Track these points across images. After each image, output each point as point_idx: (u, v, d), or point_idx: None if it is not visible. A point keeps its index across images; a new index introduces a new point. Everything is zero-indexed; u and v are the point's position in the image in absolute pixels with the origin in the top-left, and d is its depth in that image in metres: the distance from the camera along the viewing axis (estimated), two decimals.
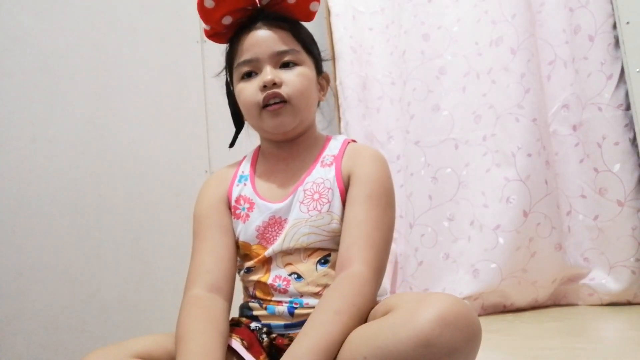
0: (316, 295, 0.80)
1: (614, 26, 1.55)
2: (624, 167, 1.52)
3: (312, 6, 0.86)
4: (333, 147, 0.87)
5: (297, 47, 0.84)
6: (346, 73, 1.97)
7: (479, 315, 1.64)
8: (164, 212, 1.47)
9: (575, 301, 1.66)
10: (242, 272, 0.86)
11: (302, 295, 0.81)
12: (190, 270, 0.82)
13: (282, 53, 0.82)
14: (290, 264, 0.81)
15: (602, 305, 1.58)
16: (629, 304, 1.54)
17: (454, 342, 0.56)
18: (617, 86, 1.54)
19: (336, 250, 0.80)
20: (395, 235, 1.85)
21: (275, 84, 0.80)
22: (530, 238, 1.62)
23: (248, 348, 0.76)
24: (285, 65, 0.83)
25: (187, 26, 1.65)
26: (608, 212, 1.55)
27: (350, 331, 0.64)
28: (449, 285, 1.69)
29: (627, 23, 1.51)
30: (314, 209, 0.81)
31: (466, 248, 1.69)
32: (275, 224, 0.82)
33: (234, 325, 0.83)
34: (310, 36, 0.88)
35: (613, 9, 1.55)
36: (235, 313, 0.89)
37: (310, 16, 0.88)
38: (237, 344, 0.74)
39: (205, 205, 0.87)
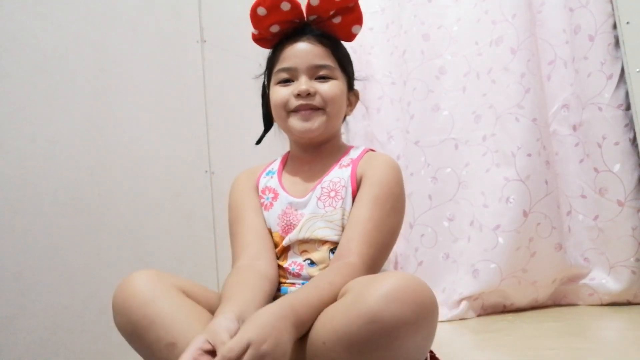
0: None
1: (614, 26, 1.55)
2: (624, 167, 1.52)
3: (354, 29, 0.93)
4: (353, 153, 0.93)
5: (334, 63, 0.91)
6: None
7: (479, 315, 1.64)
8: (164, 212, 1.47)
9: (576, 301, 1.66)
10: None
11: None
12: (234, 250, 0.89)
13: (319, 67, 0.89)
14: (305, 251, 0.88)
15: (602, 305, 1.58)
16: (629, 304, 1.54)
17: (401, 316, 0.58)
18: (617, 86, 1.54)
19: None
20: None
21: (309, 94, 0.88)
22: (530, 238, 1.62)
23: None
24: (321, 78, 0.90)
25: (187, 26, 1.65)
26: (608, 212, 1.55)
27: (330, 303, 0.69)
28: (449, 285, 1.69)
29: (627, 23, 1.51)
30: (330, 205, 0.87)
31: (466, 248, 1.69)
32: (291, 214, 0.89)
33: None
34: (347, 55, 0.95)
35: (613, 9, 1.55)
36: None
37: (350, 37, 0.95)
38: None
39: (239, 195, 0.95)
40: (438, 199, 1.77)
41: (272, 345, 0.59)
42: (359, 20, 0.93)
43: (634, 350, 1.05)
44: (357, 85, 0.99)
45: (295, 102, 0.88)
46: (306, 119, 0.88)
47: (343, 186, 0.88)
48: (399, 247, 1.85)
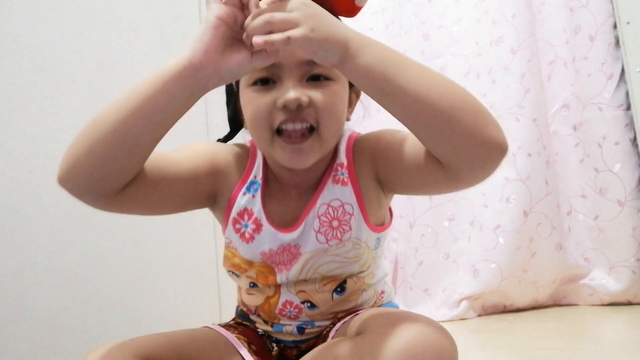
0: (329, 319, 0.76)
1: (615, 26, 1.55)
2: (624, 167, 1.52)
3: (359, 1, 0.65)
4: (341, 153, 0.74)
5: None
6: None
7: (479, 315, 1.64)
8: None
9: (576, 301, 1.65)
10: (241, 279, 0.78)
11: (314, 320, 0.76)
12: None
13: (312, 63, 0.64)
14: (303, 291, 0.74)
15: (602, 305, 1.57)
16: (629, 304, 1.53)
17: None
18: (618, 86, 1.54)
19: (354, 275, 0.75)
20: (395, 235, 1.85)
21: (300, 105, 0.64)
22: (531, 238, 1.62)
23: (256, 353, 0.73)
24: (315, 79, 0.66)
25: (187, 26, 1.65)
26: (608, 212, 1.54)
27: (419, 70, 0.56)
28: (449, 285, 1.69)
29: (628, 23, 1.51)
30: (334, 237, 0.71)
31: (466, 248, 1.69)
32: (285, 251, 0.72)
33: (240, 325, 0.79)
34: None
35: (613, 9, 1.55)
36: (231, 310, 0.88)
37: (353, 12, 0.67)
38: (243, 348, 0.70)
39: (198, 157, 0.72)
40: (438, 198, 1.77)
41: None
42: None
43: (634, 350, 1.05)
44: None
45: (280, 116, 0.64)
46: (298, 150, 0.66)
47: (350, 214, 0.71)
48: (399, 247, 1.85)
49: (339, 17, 0.66)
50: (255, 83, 0.67)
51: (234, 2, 0.56)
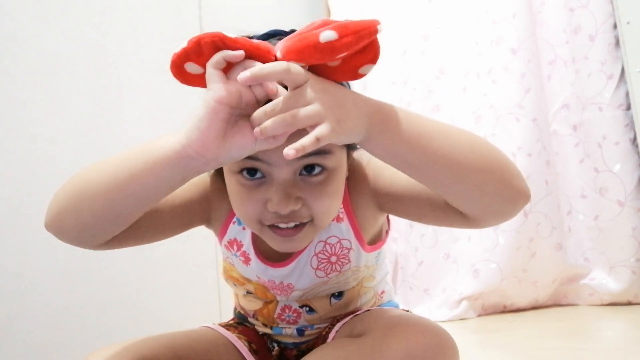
0: (328, 322, 0.76)
1: (615, 26, 1.55)
2: (625, 167, 1.52)
3: (364, 69, 0.52)
4: None
5: None
6: None
7: (479, 315, 1.64)
8: None
9: (576, 301, 1.65)
10: (238, 288, 0.78)
11: (313, 324, 0.77)
12: None
13: (307, 155, 0.53)
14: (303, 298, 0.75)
15: (602, 305, 1.57)
16: (629, 304, 1.53)
17: None
18: (618, 86, 1.54)
19: (352, 287, 0.75)
20: (395, 235, 1.85)
21: (293, 211, 0.58)
22: (531, 238, 1.62)
23: (256, 352, 0.73)
24: (309, 170, 0.58)
25: (187, 26, 1.65)
26: (608, 212, 1.54)
27: (446, 135, 0.53)
28: (449, 285, 1.69)
29: (628, 23, 1.51)
30: (333, 270, 0.70)
31: (466, 248, 1.69)
32: (277, 287, 0.72)
33: (240, 324, 0.79)
34: None
35: (613, 9, 1.55)
36: (230, 310, 0.88)
37: (355, 77, 0.54)
38: (243, 348, 0.71)
39: (195, 189, 0.69)
40: None
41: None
42: (374, 58, 0.51)
43: (634, 350, 1.05)
44: (361, 85, 0.71)
45: (270, 218, 0.59)
46: (288, 241, 0.61)
47: (348, 249, 0.69)
48: (399, 247, 1.85)
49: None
50: (241, 171, 0.59)
51: (243, 82, 0.47)
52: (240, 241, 0.70)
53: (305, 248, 0.69)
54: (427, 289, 1.74)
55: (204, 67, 0.51)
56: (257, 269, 0.71)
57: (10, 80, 1.18)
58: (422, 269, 1.76)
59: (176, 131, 0.52)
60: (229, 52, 0.49)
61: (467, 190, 0.55)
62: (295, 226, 0.60)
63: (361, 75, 0.54)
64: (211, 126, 0.49)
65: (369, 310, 0.73)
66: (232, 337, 0.72)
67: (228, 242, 0.71)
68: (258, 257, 0.70)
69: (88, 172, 0.57)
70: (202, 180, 0.71)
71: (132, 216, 0.57)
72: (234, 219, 0.71)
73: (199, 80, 0.53)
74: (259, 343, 0.76)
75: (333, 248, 0.69)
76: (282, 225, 0.60)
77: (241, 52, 0.48)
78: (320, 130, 0.47)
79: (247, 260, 0.70)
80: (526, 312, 1.63)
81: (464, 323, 1.56)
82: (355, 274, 0.73)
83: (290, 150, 0.46)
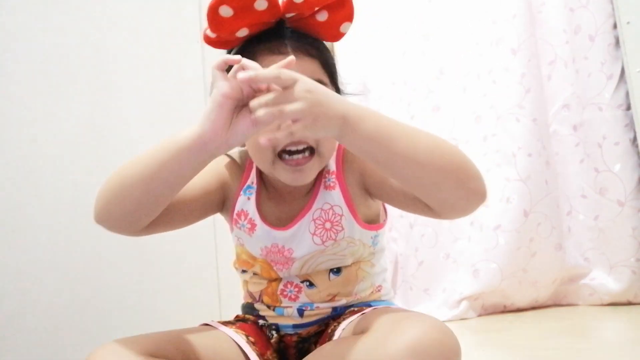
0: (327, 301, 0.80)
1: (614, 26, 1.55)
2: (624, 167, 1.52)
3: (343, 27, 0.74)
4: (331, 161, 0.80)
5: (326, 79, 0.74)
6: (347, 74, 1.97)
7: (479, 315, 1.64)
8: None
9: (576, 301, 1.65)
10: (247, 274, 0.85)
11: (313, 301, 0.80)
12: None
13: None
14: (304, 274, 0.80)
15: (602, 305, 1.58)
16: (629, 304, 1.53)
17: None
18: (618, 86, 1.54)
19: (349, 265, 0.80)
20: (395, 235, 1.85)
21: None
22: (531, 238, 1.62)
23: (254, 343, 0.76)
24: None
25: (187, 27, 1.65)
26: (608, 212, 1.55)
27: (410, 137, 0.62)
28: (449, 285, 1.69)
29: (628, 23, 1.51)
30: (329, 238, 0.77)
31: (466, 248, 1.69)
32: (278, 252, 0.79)
33: (240, 321, 0.82)
34: (334, 63, 0.78)
35: (613, 9, 1.55)
36: (230, 310, 0.89)
37: (337, 37, 0.76)
38: (241, 340, 0.74)
39: (211, 178, 0.79)
40: None
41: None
42: (349, 16, 0.73)
43: (634, 350, 1.05)
44: (361, 85, 0.88)
45: (283, 141, 0.68)
46: (299, 170, 0.72)
47: (340, 215, 0.77)
48: (399, 247, 1.85)
49: (325, 42, 0.77)
50: None
51: (242, 82, 0.59)
52: (246, 210, 0.80)
53: (306, 213, 0.77)
54: (427, 289, 1.74)
55: (234, 9, 0.68)
56: (262, 235, 0.79)
57: (10, 80, 1.18)
58: (422, 269, 1.76)
59: (191, 125, 0.63)
60: (229, 57, 0.61)
61: (426, 186, 0.64)
62: (304, 158, 0.71)
63: (342, 34, 0.75)
64: (219, 116, 0.61)
65: (374, 308, 0.76)
66: (230, 331, 0.75)
67: (237, 214, 0.80)
68: (263, 221, 0.79)
69: (124, 168, 0.68)
70: (215, 167, 0.80)
71: (165, 199, 0.68)
72: (241, 191, 0.81)
73: (227, 24, 0.70)
74: (257, 335, 0.79)
75: (326, 214, 0.77)
76: (292, 149, 0.70)
77: (239, 57, 0.60)
78: (296, 126, 0.57)
79: (252, 227, 0.79)
80: (526, 312, 1.63)
81: (464, 323, 1.56)
82: (350, 247, 0.79)
83: (264, 140, 0.58)
